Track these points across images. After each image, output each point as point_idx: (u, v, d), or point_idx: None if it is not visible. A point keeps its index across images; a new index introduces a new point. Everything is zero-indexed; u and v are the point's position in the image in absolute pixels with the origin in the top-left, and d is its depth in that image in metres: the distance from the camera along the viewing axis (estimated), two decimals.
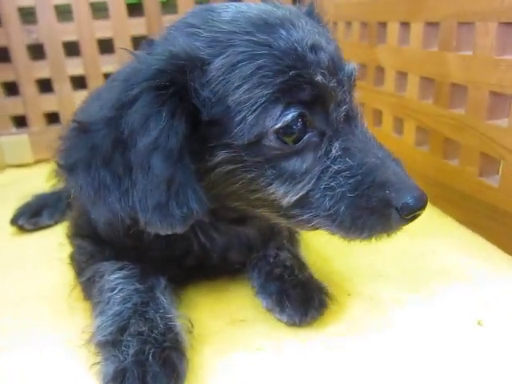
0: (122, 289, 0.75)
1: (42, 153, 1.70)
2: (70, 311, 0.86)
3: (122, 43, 1.72)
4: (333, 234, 0.70)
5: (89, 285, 0.81)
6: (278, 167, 0.66)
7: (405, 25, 1.27)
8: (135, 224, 0.65)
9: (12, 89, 1.74)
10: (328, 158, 0.66)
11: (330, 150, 0.67)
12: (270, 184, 0.66)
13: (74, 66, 1.76)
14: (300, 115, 0.64)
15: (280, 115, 0.62)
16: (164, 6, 1.79)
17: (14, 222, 1.21)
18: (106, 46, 1.75)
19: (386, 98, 1.40)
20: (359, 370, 0.69)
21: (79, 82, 1.78)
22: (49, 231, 1.22)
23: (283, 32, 0.64)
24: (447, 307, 0.82)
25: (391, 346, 0.74)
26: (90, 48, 1.74)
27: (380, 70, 1.43)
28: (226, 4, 0.70)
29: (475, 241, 1.04)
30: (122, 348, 0.66)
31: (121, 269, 0.79)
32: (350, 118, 0.69)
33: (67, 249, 0.93)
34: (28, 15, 1.69)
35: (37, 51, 1.72)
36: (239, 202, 0.72)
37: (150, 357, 0.64)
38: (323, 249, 1.02)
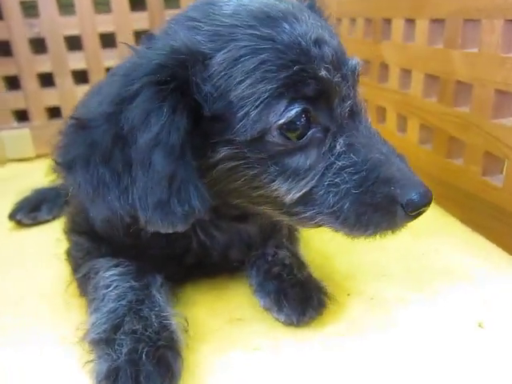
0: (117, 286, 0.74)
1: (44, 147, 1.69)
2: (66, 307, 0.85)
3: (125, 37, 1.71)
4: (336, 231, 0.69)
5: (84, 281, 0.80)
6: (281, 164, 0.65)
7: (410, 21, 1.25)
8: (135, 222, 0.63)
9: (14, 83, 1.73)
10: (332, 154, 0.66)
11: (335, 146, 0.66)
12: (273, 181, 0.65)
13: (76, 60, 1.74)
14: (304, 111, 0.63)
15: (284, 111, 0.61)
16: (167, 0, 1.77)
17: (12, 216, 1.20)
18: (108, 41, 1.73)
19: (390, 95, 1.39)
20: (359, 369, 0.69)
21: (81, 77, 1.77)
22: (47, 226, 1.21)
23: (286, 26, 0.63)
24: (450, 307, 0.82)
25: (393, 345, 0.73)
26: (92, 42, 1.73)
27: (384, 67, 1.42)
28: None
29: (478, 241, 1.03)
30: (116, 346, 0.65)
31: (116, 266, 0.78)
32: (354, 114, 0.68)
33: (64, 244, 0.92)
34: (30, 9, 1.68)
35: (39, 45, 1.71)
36: (241, 199, 0.71)
37: (144, 356, 0.63)
38: (326, 247, 1.01)
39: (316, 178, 0.66)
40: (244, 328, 0.79)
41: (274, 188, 0.66)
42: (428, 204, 0.65)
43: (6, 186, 1.46)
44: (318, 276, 0.84)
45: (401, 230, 0.67)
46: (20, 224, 1.20)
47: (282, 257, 0.86)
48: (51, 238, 1.10)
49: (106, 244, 0.81)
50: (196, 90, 0.62)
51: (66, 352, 0.74)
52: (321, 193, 0.66)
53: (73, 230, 0.89)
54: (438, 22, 1.14)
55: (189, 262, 0.82)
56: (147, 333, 0.66)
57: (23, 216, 1.20)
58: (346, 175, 0.65)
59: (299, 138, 0.64)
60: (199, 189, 0.62)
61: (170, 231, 0.63)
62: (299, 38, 0.63)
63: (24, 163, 1.72)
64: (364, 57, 1.49)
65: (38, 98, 1.74)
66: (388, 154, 0.67)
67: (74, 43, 1.73)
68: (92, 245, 0.83)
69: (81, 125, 0.64)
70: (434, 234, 1.06)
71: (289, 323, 0.78)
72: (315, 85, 0.62)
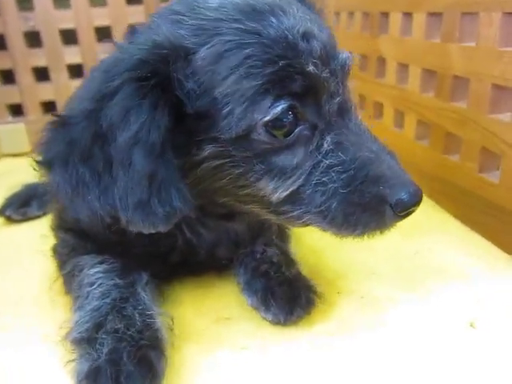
0: (101, 283, 0.73)
1: None
2: (51, 305, 0.84)
3: (120, 31, 1.69)
4: (324, 230, 0.68)
5: (69, 278, 0.79)
6: (267, 162, 0.63)
7: (407, 15, 1.23)
8: (116, 222, 0.62)
9: (8, 77, 1.72)
10: (319, 153, 0.64)
11: (322, 144, 0.64)
12: (259, 179, 0.64)
13: (72, 55, 1.73)
14: (290, 107, 0.61)
15: (269, 107, 0.60)
16: None
17: (1, 212, 1.19)
18: (103, 34, 1.72)
19: (388, 90, 1.37)
20: (348, 369, 0.68)
21: (76, 71, 1.75)
22: (37, 222, 1.20)
23: (273, 19, 0.61)
24: (443, 306, 0.80)
25: (382, 344, 0.72)
26: (87, 36, 1.72)
27: (381, 62, 1.40)
28: None
29: (473, 238, 1.01)
30: (97, 346, 0.63)
31: (101, 263, 0.77)
32: (343, 111, 0.66)
33: (51, 241, 0.90)
34: (24, 2, 1.66)
35: (33, 39, 1.70)
36: (227, 198, 0.70)
37: (125, 355, 0.62)
38: (315, 245, 0.99)
39: (303, 176, 0.64)
40: (231, 327, 0.78)
41: (261, 187, 0.65)
42: (417, 203, 0.64)
43: (1, 181, 1.44)
44: (308, 274, 0.83)
45: (390, 230, 0.66)
46: (9, 220, 1.19)
47: (271, 254, 0.84)
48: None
49: (91, 241, 0.80)
50: (178, 86, 0.60)
51: (50, 351, 0.72)
52: (308, 192, 0.65)
53: (59, 227, 0.87)
54: (435, 15, 1.12)
55: (174, 260, 0.80)
56: (129, 332, 0.65)
57: (13, 212, 1.18)
58: (333, 174, 0.63)
59: (286, 135, 0.62)
60: (181, 189, 0.61)
61: (152, 231, 0.62)
62: (286, 32, 0.61)
63: (19, 158, 1.70)
64: (361, 51, 1.48)
65: (33, 93, 1.73)
66: (378, 152, 0.65)
67: (69, 37, 1.72)
68: (78, 241, 0.82)
69: (61, 122, 0.63)
70: (428, 231, 1.04)
71: (276, 322, 0.76)
72: (302, 80, 0.61)
